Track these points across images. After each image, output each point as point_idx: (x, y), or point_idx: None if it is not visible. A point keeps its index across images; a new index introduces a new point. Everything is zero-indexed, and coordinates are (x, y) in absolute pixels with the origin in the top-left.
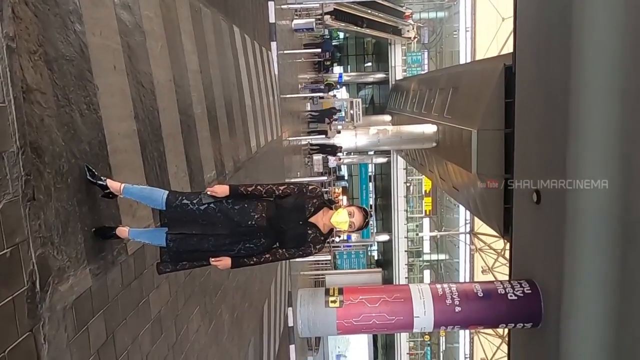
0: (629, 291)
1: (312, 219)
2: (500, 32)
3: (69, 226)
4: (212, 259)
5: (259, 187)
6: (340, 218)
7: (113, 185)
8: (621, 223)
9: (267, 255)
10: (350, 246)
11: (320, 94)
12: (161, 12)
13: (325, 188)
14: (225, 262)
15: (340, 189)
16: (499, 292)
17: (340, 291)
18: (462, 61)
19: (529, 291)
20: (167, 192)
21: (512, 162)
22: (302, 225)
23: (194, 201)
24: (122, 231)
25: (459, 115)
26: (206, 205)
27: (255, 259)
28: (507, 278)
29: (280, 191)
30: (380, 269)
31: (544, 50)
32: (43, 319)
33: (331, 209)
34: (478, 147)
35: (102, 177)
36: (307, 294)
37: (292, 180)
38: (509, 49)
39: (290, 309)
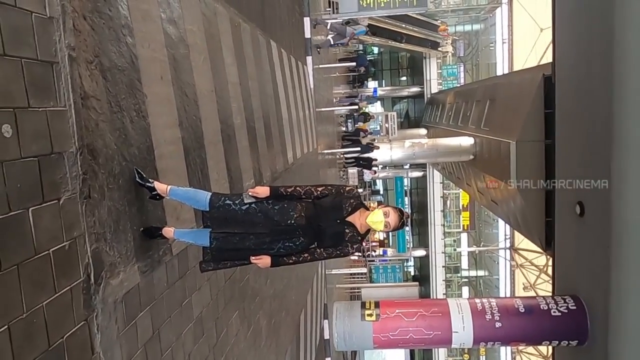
0: None
1: (349, 219)
2: (538, 42)
3: (119, 224)
4: (253, 257)
5: (298, 188)
6: (376, 218)
7: (160, 187)
8: None
9: (306, 255)
10: (386, 260)
11: (353, 107)
12: (203, 26)
13: None
14: (265, 260)
15: (376, 203)
16: (542, 307)
17: (377, 304)
18: (499, 73)
19: (574, 307)
20: (210, 193)
21: (553, 174)
22: (339, 224)
23: (236, 202)
24: (168, 231)
25: (497, 127)
26: (247, 205)
27: (294, 258)
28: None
29: (319, 192)
30: (417, 283)
31: (585, 58)
32: (96, 310)
33: (368, 209)
34: (517, 159)
35: (150, 180)
36: (343, 307)
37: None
38: (547, 59)
39: (326, 321)
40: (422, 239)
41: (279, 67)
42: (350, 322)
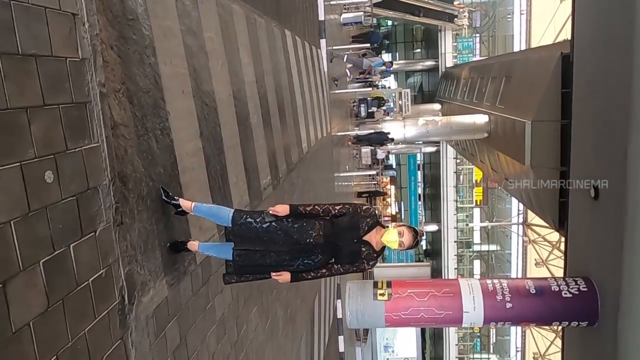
0: None
1: (365, 237)
2: (557, 14)
3: (149, 243)
4: (274, 273)
5: (316, 207)
6: (391, 237)
7: (185, 204)
8: None
9: (324, 270)
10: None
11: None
12: (221, 30)
13: (373, 178)
14: (285, 276)
15: (389, 178)
16: (553, 289)
17: (389, 284)
18: (516, 46)
19: (585, 289)
20: (232, 210)
21: (569, 155)
22: (356, 243)
23: (257, 220)
24: (193, 245)
25: (513, 105)
26: (268, 223)
27: (312, 274)
28: (561, 272)
29: (337, 210)
30: (429, 263)
31: (605, 37)
32: (130, 328)
33: (384, 227)
34: (532, 139)
35: (175, 197)
36: (355, 287)
37: (351, 201)
38: (566, 32)
39: (339, 301)
40: (434, 214)
41: (293, 56)
42: (362, 301)
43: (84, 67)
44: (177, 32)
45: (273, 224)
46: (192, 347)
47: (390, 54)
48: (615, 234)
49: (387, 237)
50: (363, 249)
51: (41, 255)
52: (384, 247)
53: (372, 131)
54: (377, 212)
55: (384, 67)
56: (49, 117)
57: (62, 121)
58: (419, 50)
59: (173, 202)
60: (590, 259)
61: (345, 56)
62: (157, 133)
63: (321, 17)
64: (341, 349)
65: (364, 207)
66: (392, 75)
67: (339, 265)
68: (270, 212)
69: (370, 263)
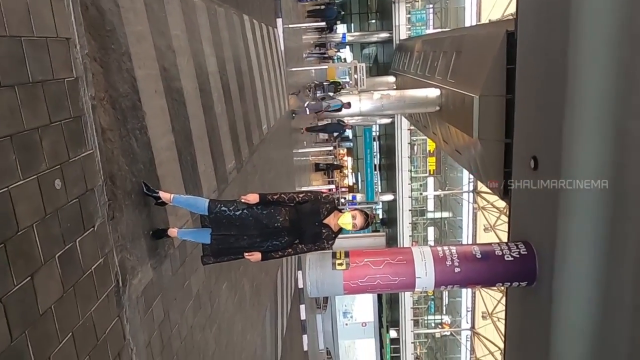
0: (616, 253)
1: (325, 221)
2: None
3: (135, 233)
4: (246, 254)
5: (282, 195)
6: (346, 220)
7: (164, 196)
8: (612, 190)
9: (290, 250)
10: (355, 205)
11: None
12: (185, 26)
13: (330, 153)
14: (256, 256)
15: (345, 150)
16: (497, 253)
17: (347, 254)
18: (467, 18)
19: (525, 252)
20: (208, 200)
21: (512, 128)
22: (317, 226)
23: (231, 208)
24: (172, 232)
25: (462, 79)
26: (240, 211)
27: (280, 253)
28: (506, 237)
29: (300, 198)
30: (384, 233)
31: (545, 17)
32: (125, 307)
33: (340, 212)
34: (480, 113)
35: (155, 190)
36: (315, 258)
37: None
38: (513, 7)
39: (300, 272)
40: (390, 184)
41: (251, 39)
42: (322, 271)
43: (78, 85)
44: (148, 35)
45: (245, 211)
46: (174, 321)
47: (345, 25)
48: (552, 202)
49: (343, 220)
50: (323, 231)
51: (56, 250)
52: (341, 229)
53: (329, 121)
54: (334, 184)
55: (343, 107)
56: (55, 133)
57: (64, 135)
58: (374, 21)
59: (154, 194)
60: (530, 225)
61: (307, 109)
62: (137, 133)
63: None
64: (303, 317)
65: (324, 195)
66: (348, 47)
67: (303, 245)
68: (242, 200)
69: (330, 242)
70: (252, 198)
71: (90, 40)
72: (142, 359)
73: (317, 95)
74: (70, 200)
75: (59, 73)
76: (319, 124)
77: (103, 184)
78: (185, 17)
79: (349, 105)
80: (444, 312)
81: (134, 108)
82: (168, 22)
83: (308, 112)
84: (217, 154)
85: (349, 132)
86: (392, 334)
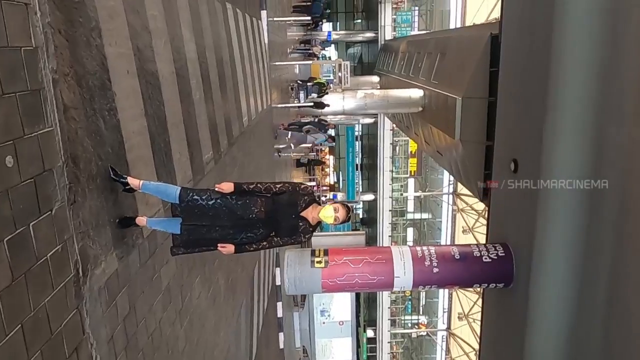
0: (593, 255)
1: (303, 213)
2: None
3: (99, 220)
4: (219, 245)
5: (259, 184)
6: (328, 213)
7: (133, 182)
8: (589, 193)
9: (265, 243)
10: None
11: (309, 59)
12: (163, 7)
13: (312, 149)
14: (229, 248)
15: (328, 148)
16: (475, 254)
17: (326, 252)
18: (452, 21)
19: (503, 254)
20: (179, 188)
21: (494, 130)
22: (294, 218)
23: (203, 197)
24: (141, 220)
25: (446, 81)
26: (214, 200)
27: (254, 246)
28: (484, 239)
29: (277, 189)
30: (363, 232)
31: (528, 21)
32: (85, 298)
33: (319, 205)
34: (462, 114)
35: (123, 175)
36: (293, 255)
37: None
38: (498, 11)
39: (278, 269)
40: (371, 184)
41: (234, 29)
42: (300, 269)
43: (37, 55)
44: (121, 12)
45: (218, 200)
46: (140, 315)
47: (331, 23)
48: (530, 205)
49: (324, 213)
50: (300, 224)
51: (5, 234)
52: (319, 222)
53: (312, 119)
54: (315, 183)
55: (327, 141)
56: (8, 105)
57: (19, 108)
58: (359, 20)
59: (121, 180)
60: (509, 227)
61: (290, 133)
62: (105, 114)
63: None
64: (279, 314)
65: (302, 186)
66: (333, 46)
67: (279, 238)
68: (216, 189)
69: (306, 236)
70: (227, 187)
71: (55, 10)
72: (103, 354)
73: (303, 127)
74: (23, 180)
75: (15, 40)
76: (301, 120)
77: (64, 165)
78: None
79: (332, 139)
80: (421, 312)
81: (102, 87)
82: (144, 1)
83: (293, 147)
84: (193, 142)
85: (332, 131)
86: (369, 333)
